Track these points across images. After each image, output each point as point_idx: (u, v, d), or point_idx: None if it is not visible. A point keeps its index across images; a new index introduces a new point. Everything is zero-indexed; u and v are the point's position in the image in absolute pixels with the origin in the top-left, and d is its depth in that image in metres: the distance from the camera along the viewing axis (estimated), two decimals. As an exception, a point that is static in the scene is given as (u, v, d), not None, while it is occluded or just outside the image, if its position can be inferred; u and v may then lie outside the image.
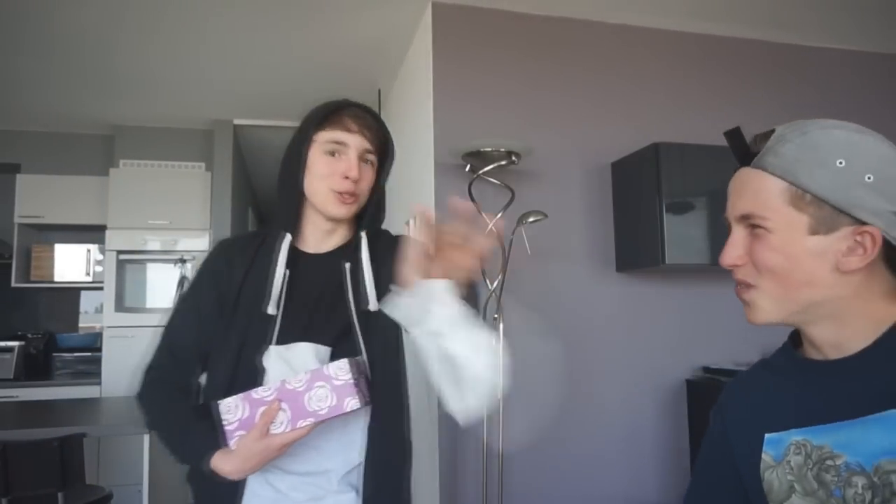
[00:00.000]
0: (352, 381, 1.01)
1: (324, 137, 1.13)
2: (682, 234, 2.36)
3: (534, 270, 2.55)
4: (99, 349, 3.90)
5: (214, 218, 4.09)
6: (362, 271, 1.16)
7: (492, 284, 2.28)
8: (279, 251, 1.13)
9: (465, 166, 2.39)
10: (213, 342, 1.15)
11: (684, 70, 2.85)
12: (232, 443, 1.02)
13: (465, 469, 2.39)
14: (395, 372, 1.19)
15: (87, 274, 4.10)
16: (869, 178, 0.72)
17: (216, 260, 1.19)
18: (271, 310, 1.11)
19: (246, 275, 1.15)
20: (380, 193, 1.21)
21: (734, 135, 0.80)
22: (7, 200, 4.00)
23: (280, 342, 1.11)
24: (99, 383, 3.75)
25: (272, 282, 1.12)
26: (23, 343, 3.93)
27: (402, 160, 3.22)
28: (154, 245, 3.96)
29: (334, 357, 1.10)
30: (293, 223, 1.17)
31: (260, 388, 1.02)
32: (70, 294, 4.33)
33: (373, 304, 1.14)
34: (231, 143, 4.15)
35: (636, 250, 2.51)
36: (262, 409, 1.01)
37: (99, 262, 4.09)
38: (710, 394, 2.52)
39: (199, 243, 4.07)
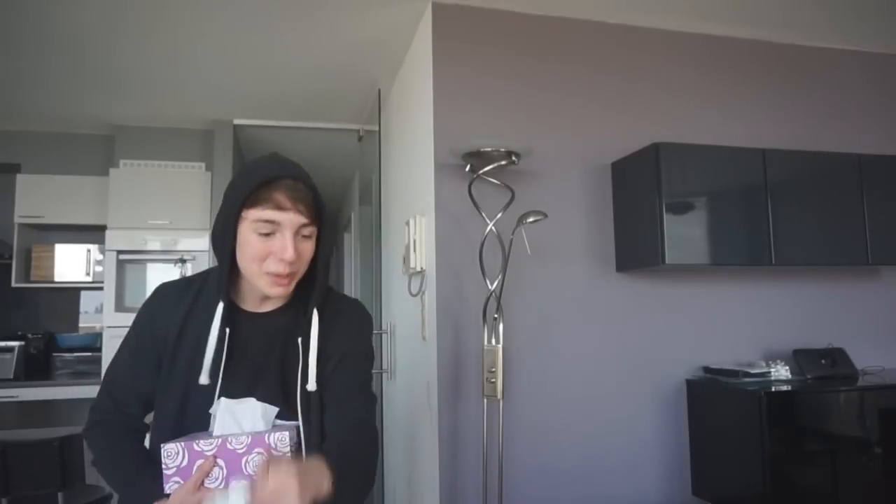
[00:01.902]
0: (289, 454, 1.04)
1: (254, 216, 1.04)
2: (682, 234, 2.36)
3: (534, 270, 2.55)
4: (99, 349, 3.90)
5: (214, 218, 4.09)
6: (309, 349, 1.13)
7: (492, 284, 2.29)
8: (215, 316, 1.10)
9: (465, 166, 2.39)
10: (156, 385, 1.14)
11: (684, 70, 2.85)
12: (167, 487, 1.03)
13: (466, 470, 2.39)
14: (318, 442, 1.15)
15: (87, 274, 4.10)
16: None
17: (153, 307, 1.17)
18: (204, 380, 1.08)
19: (184, 324, 1.13)
20: (323, 263, 1.15)
21: None
22: (7, 200, 4.01)
23: (223, 395, 1.10)
24: (99, 383, 3.73)
25: (207, 352, 1.09)
26: (23, 343, 3.93)
27: (403, 160, 3.23)
28: (154, 245, 3.96)
29: (278, 418, 1.12)
30: (227, 289, 1.11)
31: (202, 441, 1.03)
32: (70, 294, 4.33)
33: (312, 386, 1.12)
34: (231, 143, 4.15)
35: (636, 250, 2.51)
36: (199, 461, 1.02)
37: (99, 262, 4.10)
38: (710, 394, 2.52)
39: (199, 243, 4.07)
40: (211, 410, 1.09)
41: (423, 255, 2.62)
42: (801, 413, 2.28)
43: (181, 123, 4.26)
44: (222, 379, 1.10)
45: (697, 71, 2.87)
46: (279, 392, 1.12)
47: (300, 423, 1.11)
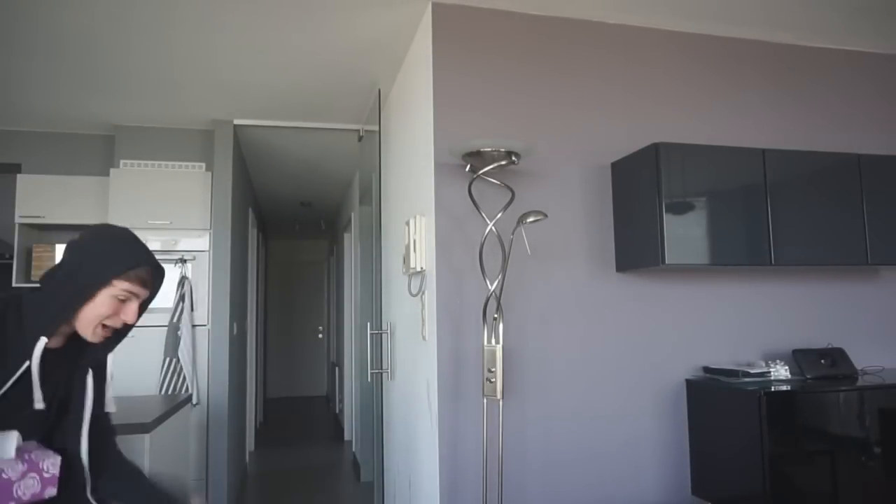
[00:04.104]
0: (57, 474, 1.23)
1: (121, 287, 1.26)
2: (682, 234, 2.36)
3: (534, 270, 2.55)
4: (99, 349, 3.90)
5: (214, 218, 4.10)
6: (102, 380, 1.39)
7: (492, 284, 2.29)
8: (34, 354, 1.22)
9: (465, 166, 2.39)
10: None
11: (684, 70, 2.85)
12: None
13: (466, 470, 2.40)
14: (78, 456, 1.34)
15: (88, 274, 4.10)
16: None
17: None
18: (39, 405, 1.24)
19: None
20: None
21: None
22: (7, 200, 4.01)
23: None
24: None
25: (34, 381, 1.22)
26: (23, 343, 3.93)
27: (403, 160, 3.23)
28: (154, 245, 3.96)
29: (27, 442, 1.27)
30: (53, 329, 1.25)
31: None
32: (70, 294, 4.33)
33: (111, 408, 1.43)
34: (231, 143, 4.15)
35: (636, 250, 2.51)
36: None
37: (99, 262, 4.09)
38: (709, 394, 2.53)
39: (199, 243, 4.07)
40: None
41: (423, 255, 2.63)
42: (801, 413, 2.29)
43: (181, 123, 4.26)
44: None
45: (697, 71, 2.87)
46: (46, 426, 1.30)
47: (84, 446, 1.31)
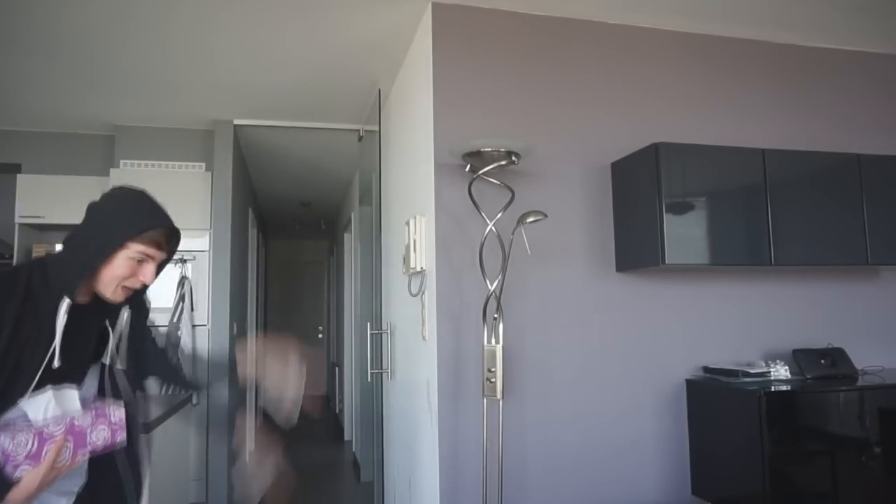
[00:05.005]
0: (124, 421, 1.30)
1: (136, 248, 1.29)
2: (681, 234, 2.36)
3: (534, 270, 2.55)
4: (99, 349, 3.90)
5: (215, 218, 4.10)
6: (122, 337, 1.41)
7: (492, 284, 2.29)
8: (59, 314, 1.25)
9: (465, 166, 2.39)
10: None
11: (684, 70, 2.85)
12: (18, 472, 1.13)
13: (466, 470, 2.40)
14: (134, 415, 1.44)
15: (88, 274, 4.09)
16: None
17: None
18: (58, 363, 1.25)
19: (16, 322, 1.21)
20: None
21: None
22: (7, 200, 4.01)
23: (47, 382, 1.25)
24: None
25: (56, 341, 1.24)
26: (23, 343, 3.92)
27: (403, 160, 3.23)
28: (154, 245, 3.96)
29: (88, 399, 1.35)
30: (74, 290, 1.27)
31: (51, 424, 1.19)
32: (70, 294, 4.32)
33: (123, 365, 1.41)
34: (231, 143, 4.15)
35: (636, 250, 2.51)
36: (49, 443, 1.17)
37: (99, 262, 4.09)
38: (709, 394, 2.53)
39: (199, 243, 4.07)
40: (22, 402, 1.21)
41: (423, 255, 2.63)
42: (801, 413, 2.29)
43: (181, 123, 4.26)
44: (47, 368, 1.24)
45: (697, 71, 2.87)
46: (96, 378, 1.37)
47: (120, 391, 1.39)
